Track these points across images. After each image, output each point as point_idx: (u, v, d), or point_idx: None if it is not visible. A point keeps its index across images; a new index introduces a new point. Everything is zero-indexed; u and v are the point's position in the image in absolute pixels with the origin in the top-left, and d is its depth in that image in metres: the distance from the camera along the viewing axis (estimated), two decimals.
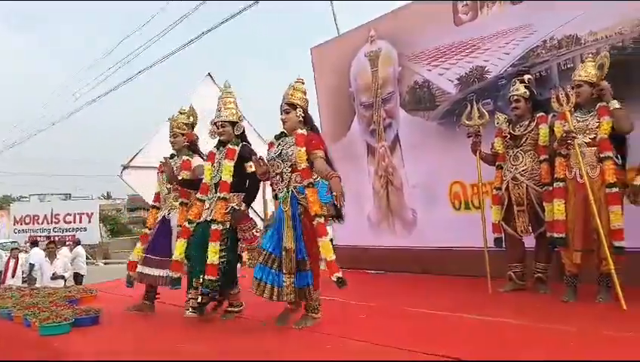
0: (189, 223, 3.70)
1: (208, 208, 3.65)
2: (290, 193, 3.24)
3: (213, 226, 3.51)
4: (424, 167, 5.71)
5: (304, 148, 3.22)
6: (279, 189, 3.31)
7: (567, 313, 3.34)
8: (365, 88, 6.39)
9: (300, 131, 3.28)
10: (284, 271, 3.19)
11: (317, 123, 7.29)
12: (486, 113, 4.32)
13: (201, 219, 3.64)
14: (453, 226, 5.27)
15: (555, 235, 3.62)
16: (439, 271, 5.29)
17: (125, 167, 10.07)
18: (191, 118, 4.36)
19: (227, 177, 3.58)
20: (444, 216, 5.42)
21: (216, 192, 3.63)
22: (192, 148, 4.36)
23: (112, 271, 15.37)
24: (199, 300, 3.50)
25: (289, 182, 3.26)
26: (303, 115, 3.35)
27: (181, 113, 4.37)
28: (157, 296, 4.22)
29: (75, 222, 20.58)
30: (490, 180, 4.37)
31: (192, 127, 4.38)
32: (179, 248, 3.68)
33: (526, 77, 4.19)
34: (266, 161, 3.39)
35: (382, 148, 6.22)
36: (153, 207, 4.36)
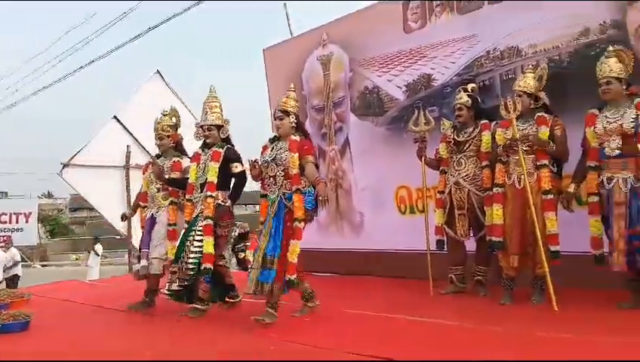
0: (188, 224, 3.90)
1: (195, 207, 3.87)
2: (278, 197, 3.48)
3: (206, 222, 3.74)
4: (373, 171, 5.79)
5: (297, 154, 3.46)
6: (271, 191, 3.55)
7: (504, 315, 3.46)
8: (317, 91, 6.41)
9: (293, 137, 3.53)
10: (254, 266, 3.45)
11: (268, 124, 7.25)
12: (432, 120, 4.43)
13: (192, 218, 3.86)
14: (398, 229, 5.36)
15: (494, 239, 3.76)
16: (385, 274, 5.37)
17: (65, 165, 9.65)
18: (174, 118, 4.48)
19: (213, 178, 3.80)
20: (391, 219, 5.52)
21: (201, 191, 3.85)
22: (178, 148, 4.50)
23: (50, 273, 14.69)
24: (176, 285, 3.70)
25: (280, 186, 3.50)
26: (295, 121, 3.60)
27: (164, 115, 4.47)
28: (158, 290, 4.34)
29: (11, 222, 19.54)
30: (434, 185, 4.48)
31: (176, 128, 4.50)
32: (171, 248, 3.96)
33: (470, 86, 4.33)
34: (260, 164, 3.59)
35: (332, 152, 6.25)
36: (144, 206, 4.49)
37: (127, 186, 9.96)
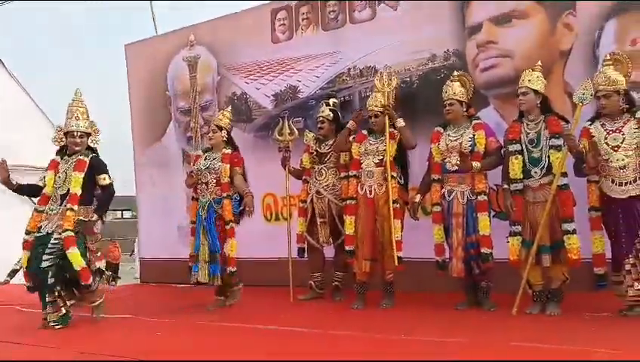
0: (27, 235, 3.60)
1: (48, 220, 3.52)
2: (209, 201, 4.02)
3: (66, 234, 3.43)
4: None
5: (229, 166, 4.00)
6: (202, 195, 4.07)
7: (354, 319, 3.65)
8: (183, 93, 6.21)
9: (226, 151, 4.07)
10: (201, 260, 3.99)
11: (128, 124, 6.83)
12: (296, 130, 4.56)
13: (43, 232, 3.50)
14: (264, 237, 5.37)
15: (346, 248, 3.97)
16: (251, 282, 5.31)
17: None
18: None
19: (77, 189, 3.51)
20: (257, 226, 5.47)
21: (61, 203, 3.52)
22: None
23: None
24: (68, 306, 3.54)
25: (212, 191, 4.01)
26: (227, 136, 4.14)
27: None
28: None
29: None
30: (299, 194, 4.58)
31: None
32: (24, 259, 3.62)
33: (331, 100, 4.54)
34: (195, 172, 4.09)
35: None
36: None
37: None
